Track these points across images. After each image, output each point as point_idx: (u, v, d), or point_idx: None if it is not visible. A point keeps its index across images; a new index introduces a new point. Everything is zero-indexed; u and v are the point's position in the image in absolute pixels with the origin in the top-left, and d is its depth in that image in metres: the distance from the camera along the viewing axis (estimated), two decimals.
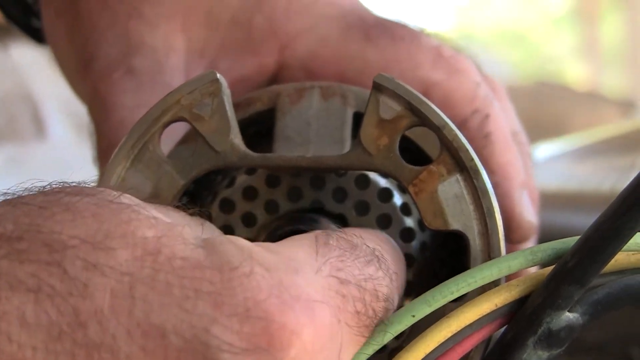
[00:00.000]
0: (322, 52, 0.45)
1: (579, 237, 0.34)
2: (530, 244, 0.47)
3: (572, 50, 3.77)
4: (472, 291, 0.37)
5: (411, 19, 0.47)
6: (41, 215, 0.28)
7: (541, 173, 0.73)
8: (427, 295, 0.34)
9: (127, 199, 0.29)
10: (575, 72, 3.61)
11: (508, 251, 0.36)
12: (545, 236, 0.63)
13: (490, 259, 0.36)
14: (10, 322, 0.26)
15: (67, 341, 0.26)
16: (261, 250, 0.29)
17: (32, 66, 0.98)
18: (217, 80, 0.37)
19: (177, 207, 0.32)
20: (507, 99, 0.49)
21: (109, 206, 0.29)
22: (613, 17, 3.65)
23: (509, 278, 0.36)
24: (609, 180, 0.59)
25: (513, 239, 0.44)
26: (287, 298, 0.28)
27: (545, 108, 1.25)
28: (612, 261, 0.34)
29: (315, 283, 0.29)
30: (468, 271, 0.34)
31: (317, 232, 0.32)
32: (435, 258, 0.41)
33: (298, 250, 0.30)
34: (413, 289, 0.40)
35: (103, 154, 0.44)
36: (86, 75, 0.46)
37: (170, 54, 0.46)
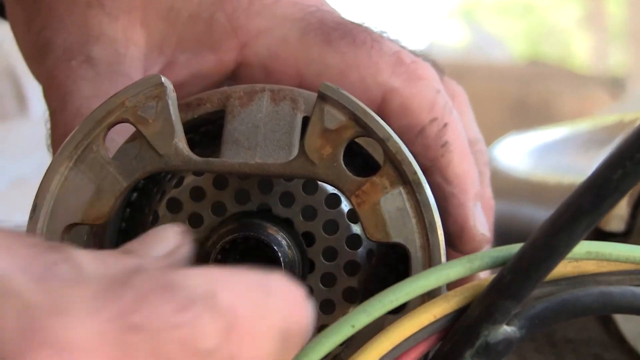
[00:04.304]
0: (282, 53, 0.44)
1: (515, 245, 0.34)
2: None
3: (577, 22, 3.76)
4: (413, 302, 0.37)
5: None
6: None
7: (513, 162, 0.73)
8: (366, 304, 0.34)
9: None
10: (580, 45, 3.59)
11: None
12: (508, 227, 0.63)
13: None
14: None
15: None
16: (30, 286, 0.26)
17: (15, 43, 0.98)
18: (161, 83, 0.37)
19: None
20: (468, 105, 0.48)
21: None
22: None
23: (450, 288, 0.36)
24: (571, 174, 0.59)
25: (465, 250, 0.44)
26: (36, 342, 0.24)
27: (536, 88, 1.24)
28: None
29: (83, 328, 0.25)
30: (406, 280, 0.34)
31: (125, 269, 0.28)
32: (382, 266, 0.41)
33: (76, 290, 0.26)
34: (358, 296, 0.40)
35: (57, 142, 0.43)
36: (43, 61, 0.46)
37: (130, 45, 0.45)
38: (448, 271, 0.35)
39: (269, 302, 0.28)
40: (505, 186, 0.69)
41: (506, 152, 0.77)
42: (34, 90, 0.97)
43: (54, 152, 0.43)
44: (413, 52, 0.45)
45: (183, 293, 0.26)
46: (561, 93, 1.27)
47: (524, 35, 3.65)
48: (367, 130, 0.37)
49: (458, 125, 0.44)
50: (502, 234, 0.59)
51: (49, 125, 0.44)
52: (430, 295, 0.36)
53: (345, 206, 0.40)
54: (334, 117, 0.37)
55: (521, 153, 0.73)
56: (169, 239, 0.32)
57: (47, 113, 0.45)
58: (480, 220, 0.45)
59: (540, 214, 0.61)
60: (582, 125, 0.67)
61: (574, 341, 0.61)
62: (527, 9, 3.92)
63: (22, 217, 0.47)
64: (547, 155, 0.69)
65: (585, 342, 0.59)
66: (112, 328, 0.25)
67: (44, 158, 0.46)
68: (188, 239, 0.33)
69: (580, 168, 0.60)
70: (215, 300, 0.27)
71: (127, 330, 0.25)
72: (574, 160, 0.62)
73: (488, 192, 0.48)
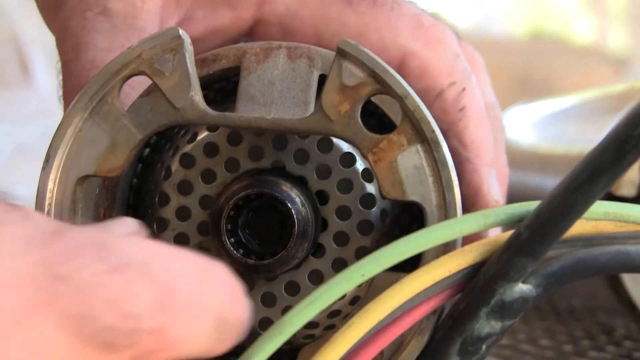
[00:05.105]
0: (301, 11, 0.44)
1: (531, 202, 0.34)
2: None
3: (577, 3, 3.75)
4: (426, 259, 0.36)
5: None
6: None
7: (519, 133, 0.73)
8: (377, 254, 0.33)
9: None
10: (581, 25, 3.58)
11: None
12: (517, 197, 0.63)
13: None
14: None
15: None
16: None
17: (18, 10, 0.97)
18: (179, 36, 0.37)
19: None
20: (485, 70, 0.48)
21: None
22: None
23: (465, 244, 0.36)
24: (579, 143, 0.59)
25: None
26: None
27: (539, 64, 1.24)
28: None
29: (7, 264, 0.25)
30: (419, 232, 0.34)
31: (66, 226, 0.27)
32: (395, 227, 0.40)
33: (16, 229, 0.26)
34: None
35: (70, 94, 0.43)
36: (57, 11, 0.45)
37: None
38: (462, 225, 0.35)
39: (207, 287, 0.28)
40: (511, 157, 0.69)
41: (512, 123, 0.77)
42: (37, 58, 0.96)
43: (65, 104, 0.43)
44: (433, 15, 0.45)
45: (118, 256, 0.26)
46: (564, 69, 1.27)
47: (525, 16, 3.64)
48: (385, 87, 0.36)
49: (476, 90, 0.44)
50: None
51: (60, 77, 0.44)
52: (445, 251, 0.36)
53: (360, 165, 0.40)
54: (352, 74, 0.36)
55: (527, 124, 0.73)
56: (127, 223, 0.33)
57: (59, 64, 0.45)
58: (494, 187, 0.44)
59: (547, 183, 0.61)
60: (589, 94, 0.67)
61: (579, 310, 0.61)
62: None
63: (25, 189, 0.47)
64: (553, 126, 0.69)
65: (591, 310, 0.59)
66: (37, 272, 0.25)
67: (48, 126, 0.45)
68: (146, 230, 0.33)
69: (588, 137, 0.60)
70: (150, 270, 0.27)
71: (51, 278, 0.25)
72: (581, 129, 0.62)
73: (503, 159, 0.48)
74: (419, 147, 0.36)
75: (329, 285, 0.33)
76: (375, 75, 0.36)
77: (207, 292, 0.28)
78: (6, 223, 0.26)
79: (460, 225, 0.34)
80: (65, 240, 0.26)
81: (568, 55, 1.40)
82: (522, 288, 0.34)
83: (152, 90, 0.37)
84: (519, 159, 0.67)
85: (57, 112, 0.47)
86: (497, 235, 0.35)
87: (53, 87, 0.99)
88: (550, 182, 0.59)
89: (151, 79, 0.37)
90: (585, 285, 0.57)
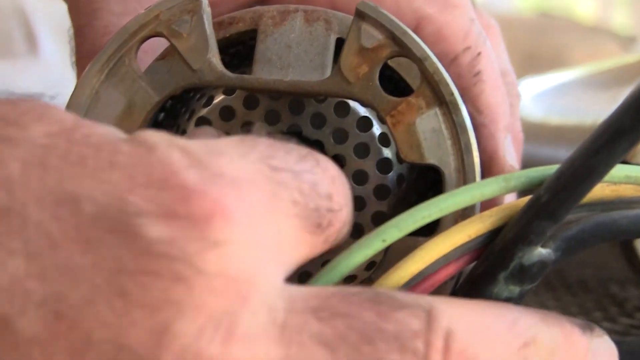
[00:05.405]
0: None
1: (552, 166, 0.34)
2: None
3: None
4: (445, 224, 0.36)
5: None
6: None
7: (528, 106, 0.72)
8: (398, 219, 0.33)
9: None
10: (584, 4, 3.57)
11: None
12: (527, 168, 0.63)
13: None
14: None
15: None
16: (182, 139, 0.28)
17: None
18: None
19: None
20: (500, 36, 0.48)
21: (29, 99, 0.28)
22: None
23: (483, 210, 0.35)
24: (591, 113, 0.59)
25: None
26: (208, 173, 0.27)
27: (546, 41, 1.24)
28: None
29: (240, 165, 0.28)
30: (440, 196, 0.34)
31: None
32: (412, 191, 0.40)
33: (221, 140, 0.29)
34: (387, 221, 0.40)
35: (84, 59, 0.43)
36: None
37: None
38: (483, 189, 0.34)
39: (339, 173, 0.32)
40: (522, 129, 0.68)
41: (522, 95, 0.76)
42: (44, 30, 0.96)
43: (79, 70, 0.43)
44: None
45: (297, 147, 0.30)
46: (572, 45, 1.27)
47: None
48: (404, 49, 0.36)
49: (491, 55, 0.44)
50: None
51: (73, 43, 0.44)
52: (464, 216, 0.36)
53: (376, 129, 0.39)
54: (371, 36, 0.36)
55: (537, 96, 0.73)
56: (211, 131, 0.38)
57: (71, 30, 0.44)
58: (509, 152, 0.44)
59: (560, 155, 0.61)
60: (601, 65, 0.66)
61: (590, 281, 0.61)
62: None
63: None
64: (564, 97, 0.68)
65: (602, 281, 0.59)
66: (261, 167, 0.28)
67: (56, 96, 0.45)
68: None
69: (600, 108, 0.59)
70: (318, 159, 0.31)
71: (272, 169, 0.28)
72: (593, 100, 0.62)
73: (518, 124, 0.48)
74: (437, 110, 0.36)
75: (349, 252, 0.32)
76: (394, 38, 0.36)
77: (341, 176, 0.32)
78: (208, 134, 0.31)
79: (481, 189, 0.34)
80: (262, 142, 0.29)
81: (575, 32, 1.39)
82: (541, 252, 0.34)
83: (168, 53, 0.37)
84: (529, 131, 0.67)
85: (64, 82, 0.47)
86: (516, 200, 0.35)
87: (60, 58, 0.98)
88: (563, 153, 0.59)
89: (168, 40, 0.36)
90: (597, 256, 0.57)
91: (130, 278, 0.26)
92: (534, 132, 0.66)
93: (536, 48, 1.13)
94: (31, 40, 0.97)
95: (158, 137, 0.28)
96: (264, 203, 0.28)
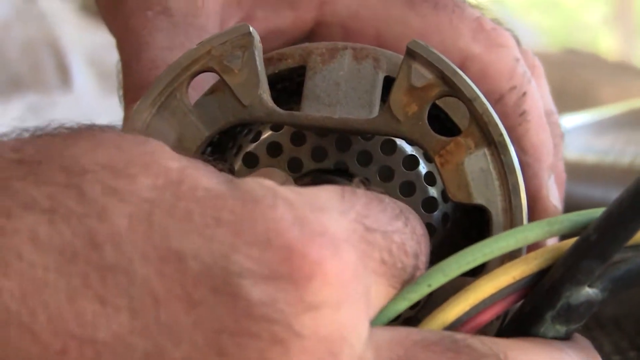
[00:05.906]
0: (363, 13, 0.44)
1: (597, 209, 0.34)
2: None
3: (604, 18, 3.73)
4: (490, 265, 0.36)
5: None
6: (64, 143, 0.28)
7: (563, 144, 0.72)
8: (443, 264, 0.33)
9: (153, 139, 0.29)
10: (607, 41, 3.57)
11: None
12: (565, 208, 0.63)
13: None
14: (22, 240, 0.26)
15: (81, 262, 0.26)
16: (285, 189, 0.29)
17: (58, 14, 0.98)
18: (249, 33, 0.37)
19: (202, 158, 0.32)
20: (544, 77, 0.48)
21: (133, 140, 0.28)
22: None
23: (528, 251, 0.36)
24: (628, 153, 0.59)
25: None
26: (310, 232, 0.27)
27: (574, 77, 1.24)
28: None
29: (340, 224, 0.28)
30: (485, 241, 0.34)
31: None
32: (457, 230, 0.40)
33: (323, 193, 0.29)
34: (433, 260, 0.40)
35: (130, 93, 0.44)
36: (118, 11, 0.46)
37: None
38: (527, 233, 0.35)
39: (420, 221, 0.33)
40: None
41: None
42: (76, 62, 0.97)
43: (126, 103, 0.43)
44: (493, 20, 0.45)
45: (391, 204, 0.31)
46: (600, 81, 1.27)
47: (552, 30, 3.64)
48: (454, 89, 0.36)
49: (536, 95, 0.44)
50: None
51: (120, 77, 0.44)
52: (510, 256, 0.36)
53: (422, 168, 0.40)
54: (421, 75, 0.36)
55: (572, 134, 0.73)
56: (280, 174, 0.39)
57: (119, 64, 0.45)
58: (553, 192, 0.44)
59: (596, 194, 0.61)
60: (634, 104, 0.66)
61: (624, 320, 0.61)
62: (552, 4, 3.90)
63: None
64: (600, 136, 0.68)
65: (637, 320, 0.59)
66: (357, 227, 0.29)
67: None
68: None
69: (636, 148, 0.59)
70: (407, 215, 0.32)
71: (366, 230, 0.29)
72: (629, 139, 0.62)
73: (561, 164, 0.48)
74: (485, 150, 0.36)
75: (396, 296, 0.33)
76: (444, 77, 0.36)
77: (422, 226, 0.33)
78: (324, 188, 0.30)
79: (525, 233, 0.34)
80: (361, 198, 0.30)
81: (602, 68, 1.40)
82: (589, 291, 0.34)
83: (218, 89, 0.37)
84: (565, 169, 0.67)
85: (94, 117, 0.47)
86: (560, 242, 0.35)
87: (92, 91, 0.99)
88: (599, 193, 0.59)
89: (220, 75, 0.37)
90: (631, 295, 0.56)
91: (230, 339, 0.26)
92: (570, 171, 0.66)
93: (563, 85, 1.13)
94: (64, 72, 0.98)
95: (261, 189, 0.28)
96: (356, 263, 0.28)
